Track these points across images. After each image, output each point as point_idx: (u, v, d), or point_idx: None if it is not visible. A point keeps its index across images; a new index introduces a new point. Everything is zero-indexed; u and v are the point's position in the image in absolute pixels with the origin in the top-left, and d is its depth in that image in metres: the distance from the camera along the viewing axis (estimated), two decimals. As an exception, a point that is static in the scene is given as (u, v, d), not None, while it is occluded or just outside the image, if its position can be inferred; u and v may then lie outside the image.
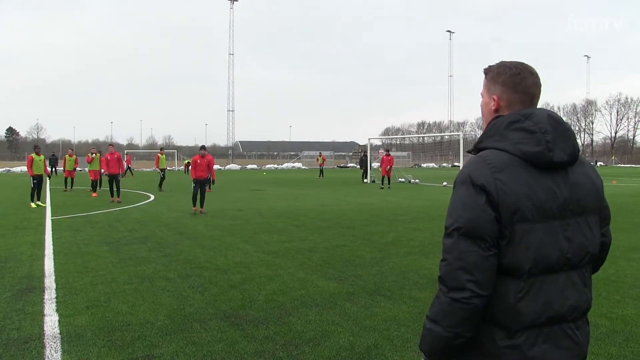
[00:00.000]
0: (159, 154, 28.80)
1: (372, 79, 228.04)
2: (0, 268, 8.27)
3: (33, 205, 18.02)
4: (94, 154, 24.05)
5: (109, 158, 20.43)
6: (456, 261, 1.82)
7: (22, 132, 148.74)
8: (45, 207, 17.96)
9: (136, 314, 5.82)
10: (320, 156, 45.06)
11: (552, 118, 1.90)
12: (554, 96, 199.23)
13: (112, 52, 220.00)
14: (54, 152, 53.58)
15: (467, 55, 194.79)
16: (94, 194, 22.76)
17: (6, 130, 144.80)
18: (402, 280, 7.21)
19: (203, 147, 16.59)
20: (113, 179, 20.14)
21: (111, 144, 22.12)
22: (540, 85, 2.02)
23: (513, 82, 1.98)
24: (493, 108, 2.02)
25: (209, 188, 22.69)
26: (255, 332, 5.19)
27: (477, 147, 1.99)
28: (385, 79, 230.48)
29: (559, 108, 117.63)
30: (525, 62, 2.03)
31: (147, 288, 6.92)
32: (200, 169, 15.99)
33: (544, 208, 1.84)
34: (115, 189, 20.07)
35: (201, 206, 15.91)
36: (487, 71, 2.07)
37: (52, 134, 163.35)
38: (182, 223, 13.49)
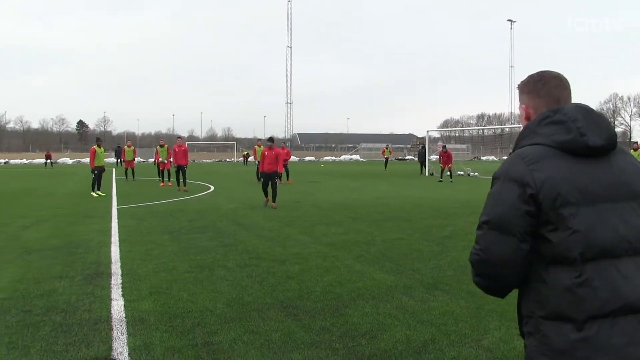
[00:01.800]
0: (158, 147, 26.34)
1: (430, 70, 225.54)
2: (73, 253, 8.65)
3: (94, 194, 18.75)
4: (163, 145, 24.86)
5: (176, 150, 21.36)
6: (483, 252, 1.90)
7: (91, 124, 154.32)
8: (104, 196, 18.77)
9: (196, 302, 5.94)
10: (387, 148, 44.35)
11: (581, 107, 1.94)
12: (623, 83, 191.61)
13: (174, 48, 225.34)
14: (119, 144, 55.14)
15: (529, 45, 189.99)
16: (161, 184, 23.27)
17: (77, 123, 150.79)
18: (460, 274, 7.10)
19: (271, 139, 15.95)
20: (180, 169, 20.97)
21: (180, 137, 23.02)
22: (568, 87, 2.08)
23: (536, 89, 2.07)
24: (524, 117, 2.11)
25: (281, 180, 23.09)
26: (312, 323, 5.22)
27: (517, 146, 2.04)
28: (444, 70, 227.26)
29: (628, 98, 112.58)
30: (554, 70, 2.12)
31: (206, 277, 7.06)
32: (268, 162, 15.17)
33: (588, 191, 1.83)
34: (182, 179, 20.86)
35: (273, 200, 15.03)
36: (518, 86, 2.18)
37: (117, 127, 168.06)
38: (240, 214, 13.69)
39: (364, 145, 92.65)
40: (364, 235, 10.28)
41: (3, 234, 10.69)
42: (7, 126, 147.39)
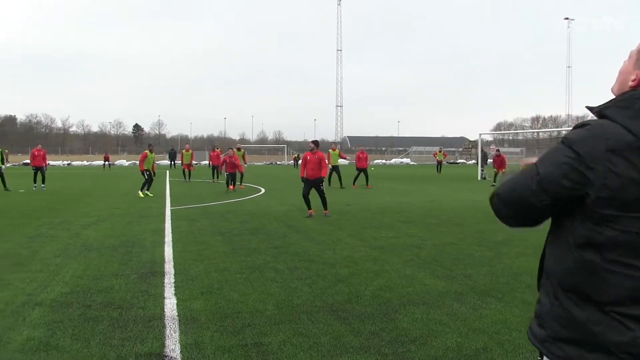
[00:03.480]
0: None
1: (482, 71, 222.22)
2: (129, 252, 8.91)
3: (141, 194, 19.50)
4: (239, 149, 25.85)
5: (227, 160, 23.03)
6: (515, 187, 1.87)
7: (146, 128, 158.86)
8: (152, 196, 19.41)
9: (246, 303, 6.03)
10: (440, 151, 43.27)
11: None
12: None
13: (226, 52, 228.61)
14: (173, 147, 56.42)
15: (588, 45, 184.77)
16: (231, 187, 23.27)
17: (133, 126, 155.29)
18: (514, 282, 6.97)
19: (314, 142, 14.59)
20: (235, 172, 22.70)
21: (239, 148, 25.51)
22: None
23: None
24: (632, 83, 1.84)
25: (330, 184, 23.34)
26: (361, 327, 5.22)
27: (600, 112, 1.85)
28: (497, 71, 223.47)
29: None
30: None
31: (257, 278, 7.15)
32: (311, 167, 14.03)
33: None
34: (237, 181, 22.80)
35: (324, 208, 13.95)
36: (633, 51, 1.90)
37: (171, 130, 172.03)
38: (291, 216, 13.78)
39: (414, 148, 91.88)
40: (415, 239, 10.21)
41: (67, 232, 11.10)
42: (70, 130, 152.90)
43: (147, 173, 20.08)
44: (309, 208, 13.88)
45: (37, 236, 10.63)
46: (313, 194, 13.93)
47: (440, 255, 8.70)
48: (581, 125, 1.82)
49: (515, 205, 1.88)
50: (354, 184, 24.97)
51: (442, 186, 26.24)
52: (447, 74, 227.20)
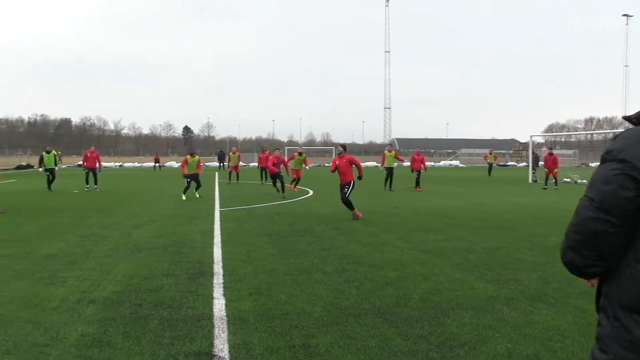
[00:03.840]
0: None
1: (534, 71, 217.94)
2: (178, 253, 9.06)
3: (184, 197, 19.38)
4: (301, 154, 25.22)
5: (274, 160, 22.16)
6: (577, 226, 1.83)
7: (196, 130, 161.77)
8: (198, 198, 19.60)
9: (294, 304, 6.05)
10: (490, 154, 42.14)
11: None
12: None
13: (273, 55, 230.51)
14: (222, 149, 57.17)
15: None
16: (295, 189, 23.26)
17: (183, 129, 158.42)
18: (567, 287, 6.78)
19: (342, 146, 14.44)
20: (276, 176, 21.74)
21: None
22: None
23: None
24: None
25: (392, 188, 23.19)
26: (409, 331, 5.17)
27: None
28: (548, 71, 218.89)
29: None
30: None
31: (305, 280, 7.17)
32: (340, 171, 13.98)
33: None
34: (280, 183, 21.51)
35: (350, 209, 13.78)
36: None
37: (220, 132, 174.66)
38: (339, 218, 13.77)
39: (463, 150, 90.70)
40: (464, 243, 10.07)
41: (118, 232, 11.36)
42: (122, 132, 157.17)
43: (188, 179, 19.84)
44: (352, 209, 13.74)
45: (90, 235, 10.92)
46: (356, 196, 14.03)
47: (490, 259, 8.55)
48: (617, 137, 1.80)
49: (587, 244, 1.81)
50: (418, 187, 24.45)
51: (492, 189, 25.81)
52: (497, 74, 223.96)
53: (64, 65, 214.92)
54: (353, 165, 14.00)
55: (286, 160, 22.59)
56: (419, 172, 24.68)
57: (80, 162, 23.94)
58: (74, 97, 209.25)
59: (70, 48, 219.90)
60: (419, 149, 26.11)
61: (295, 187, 23.41)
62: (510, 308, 5.91)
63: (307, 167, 26.02)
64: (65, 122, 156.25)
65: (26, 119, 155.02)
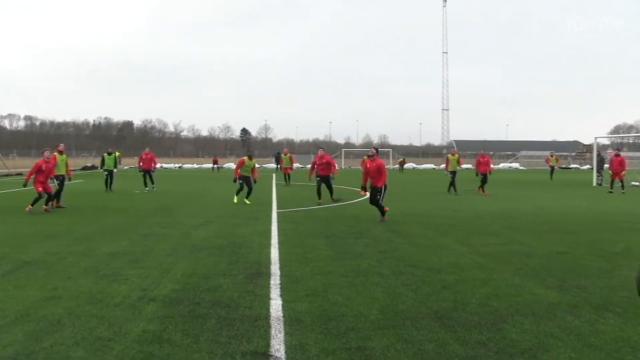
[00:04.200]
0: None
1: (598, 71, 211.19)
2: (236, 253, 9.18)
3: (235, 200, 18.72)
4: (286, 154, 25.26)
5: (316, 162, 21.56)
6: None
7: (253, 132, 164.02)
8: (249, 204, 19.23)
9: (351, 306, 6.03)
10: (552, 156, 40.56)
11: None
12: None
13: (330, 56, 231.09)
14: (279, 151, 57.60)
15: None
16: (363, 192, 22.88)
17: (241, 131, 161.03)
18: (636, 296, 6.49)
19: (375, 149, 14.46)
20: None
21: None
22: None
23: None
24: None
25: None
26: (467, 336, 5.08)
27: None
28: (613, 70, 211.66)
29: None
30: None
31: (361, 282, 7.14)
32: (371, 175, 13.99)
33: None
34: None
35: (381, 214, 13.68)
36: None
37: (277, 134, 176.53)
38: (395, 221, 13.68)
39: (523, 152, 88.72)
40: (524, 247, 9.83)
41: (178, 232, 11.60)
42: (181, 134, 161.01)
43: (240, 182, 18.71)
44: (383, 215, 13.63)
45: (151, 235, 11.19)
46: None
47: (551, 265, 8.32)
48: None
49: None
50: (483, 190, 23.54)
51: (553, 192, 25.13)
52: (559, 74, 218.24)
53: (127, 69, 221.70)
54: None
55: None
56: (485, 175, 23.63)
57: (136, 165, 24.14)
58: (136, 100, 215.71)
59: (133, 52, 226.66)
60: (484, 152, 24.96)
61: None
62: (573, 316, 5.72)
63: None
64: (128, 125, 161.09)
65: (91, 122, 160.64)
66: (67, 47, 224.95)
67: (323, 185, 18.83)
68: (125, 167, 63.40)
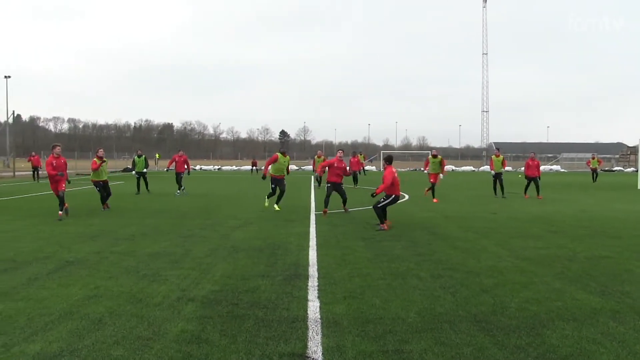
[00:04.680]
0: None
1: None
2: (274, 254, 9.25)
3: (266, 204, 17.53)
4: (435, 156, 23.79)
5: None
6: None
7: (292, 134, 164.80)
8: (275, 210, 17.74)
9: (388, 309, 6.01)
10: (593, 158, 39.25)
11: None
12: None
13: (369, 59, 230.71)
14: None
15: None
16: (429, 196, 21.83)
17: (279, 133, 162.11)
18: (680, 301, 6.34)
19: (388, 158, 13.27)
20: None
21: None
22: None
23: None
24: None
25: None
26: (506, 340, 5.02)
27: None
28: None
29: None
30: None
31: (399, 285, 7.11)
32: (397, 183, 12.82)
33: None
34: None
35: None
36: None
37: (316, 136, 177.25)
38: (435, 223, 13.59)
39: (564, 155, 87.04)
40: (565, 251, 9.65)
41: (217, 233, 11.74)
42: (220, 136, 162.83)
43: (273, 185, 17.07)
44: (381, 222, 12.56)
45: (191, 236, 11.34)
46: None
47: (594, 269, 8.14)
48: None
49: None
50: (525, 193, 22.83)
51: (596, 195, 24.60)
52: (602, 75, 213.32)
53: (167, 72, 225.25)
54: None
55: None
56: (534, 179, 22.28)
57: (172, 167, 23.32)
58: (176, 102, 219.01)
59: (173, 56, 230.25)
60: (533, 154, 23.38)
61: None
62: (616, 322, 5.59)
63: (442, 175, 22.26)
64: (168, 127, 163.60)
65: (132, 124, 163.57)
66: (109, 49, 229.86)
67: (335, 194, 16.45)
68: (165, 169, 64.31)
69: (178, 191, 24.14)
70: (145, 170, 25.35)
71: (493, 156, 23.53)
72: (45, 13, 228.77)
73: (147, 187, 25.12)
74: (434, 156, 21.65)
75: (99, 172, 17.62)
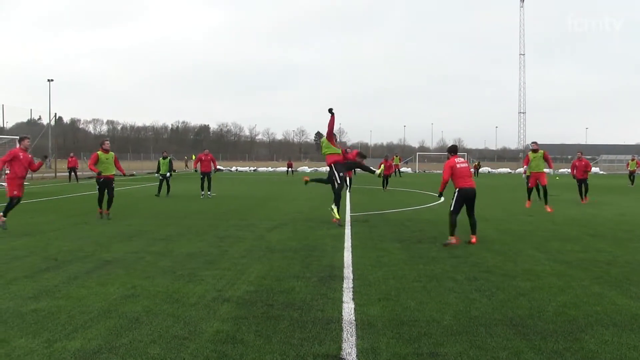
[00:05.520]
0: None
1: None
2: (309, 256, 9.28)
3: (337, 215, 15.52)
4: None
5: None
6: None
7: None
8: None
9: (423, 311, 5.98)
10: (632, 160, 38.26)
11: None
12: None
13: (405, 60, 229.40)
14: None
15: None
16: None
17: (315, 134, 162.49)
18: None
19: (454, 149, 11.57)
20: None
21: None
22: None
23: None
24: None
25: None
26: (542, 345, 4.95)
27: None
28: None
29: None
30: None
31: (434, 287, 7.07)
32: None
33: None
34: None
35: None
36: None
37: (351, 137, 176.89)
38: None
39: (604, 156, 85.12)
40: (605, 255, 9.45)
41: (252, 234, 11.82)
42: (256, 137, 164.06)
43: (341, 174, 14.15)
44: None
45: (226, 237, 11.45)
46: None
47: (634, 274, 7.97)
48: None
49: None
50: (582, 198, 21.24)
51: (637, 199, 24.01)
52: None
53: (203, 73, 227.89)
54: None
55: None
56: (584, 180, 21.21)
57: (220, 167, 22.45)
58: (212, 104, 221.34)
59: (208, 57, 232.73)
60: (580, 153, 22.02)
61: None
62: (658, 327, 5.46)
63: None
64: (204, 129, 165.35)
65: (169, 126, 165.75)
66: (146, 52, 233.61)
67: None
68: (193, 170, 64.88)
69: (203, 192, 23.20)
70: (168, 174, 24.04)
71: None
72: (83, 18, 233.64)
73: (167, 191, 23.94)
74: (534, 150, 18.16)
75: (105, 166, 15.11)
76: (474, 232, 10.92)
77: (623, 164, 62.87)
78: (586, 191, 21.31)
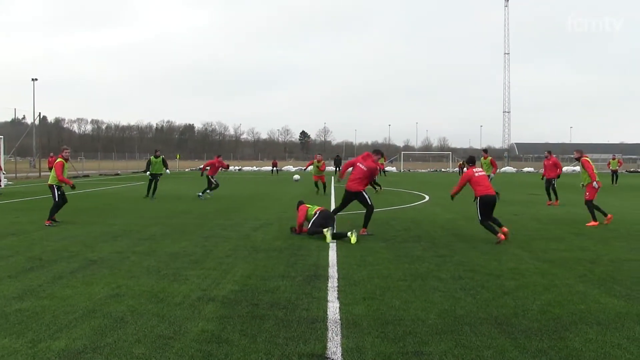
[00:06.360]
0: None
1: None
2: (294, 255, 9.27)
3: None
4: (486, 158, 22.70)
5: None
6: None
7: (312, 135, 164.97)
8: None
9: (408, 310, 5.98)
10: (613, 159, 38.62)
11: None
12: None
13: (390, 59, 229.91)
14: (338, 154, 57.85)
15: None
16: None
17: (300, 134, 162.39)
18: None
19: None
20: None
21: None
22: None
23: None
24: None
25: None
26: (527, 343, 4.96)
27: None
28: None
29: None
30: None
31: (419, 286, 7.07)
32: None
33: None
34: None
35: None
36: None
37: (336, 137, 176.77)
38: (456, 224, 13.51)
39: (588, 155, 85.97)
40: (589, 254, 9.52)
41: (237, 234, 11.78)
42: (241, 137, 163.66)
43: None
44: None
45: (211, 236, 11.39)
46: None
47: (618, 272, 8.03)
48: None
49: None
50: (550, 198, 20.62)
51: (621, 197, 24.24)
52: (626, 74, 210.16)
53: (188, 73, 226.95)
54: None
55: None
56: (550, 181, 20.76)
57: (201, 167, 21.40)
58: (197, 104, 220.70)
59: (194, 57, 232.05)
60: (548, 152, 22.17)
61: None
62: (641, 326, 5.50)
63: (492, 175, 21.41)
64: (189, 128, 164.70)
65: (154, 126, 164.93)
66: (131, 51, 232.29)
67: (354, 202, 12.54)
68: (187, 170, 64.76)
69: (201, 193, 22.32)
70: (162, 173, 22.73)
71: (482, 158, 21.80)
72: (68, 18, 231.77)
73: (154, 192, 22.13)
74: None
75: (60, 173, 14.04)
76: (500, 224, 11.15)
77: (605, 163, 63.38)
78: (554, 192, 20.48)
